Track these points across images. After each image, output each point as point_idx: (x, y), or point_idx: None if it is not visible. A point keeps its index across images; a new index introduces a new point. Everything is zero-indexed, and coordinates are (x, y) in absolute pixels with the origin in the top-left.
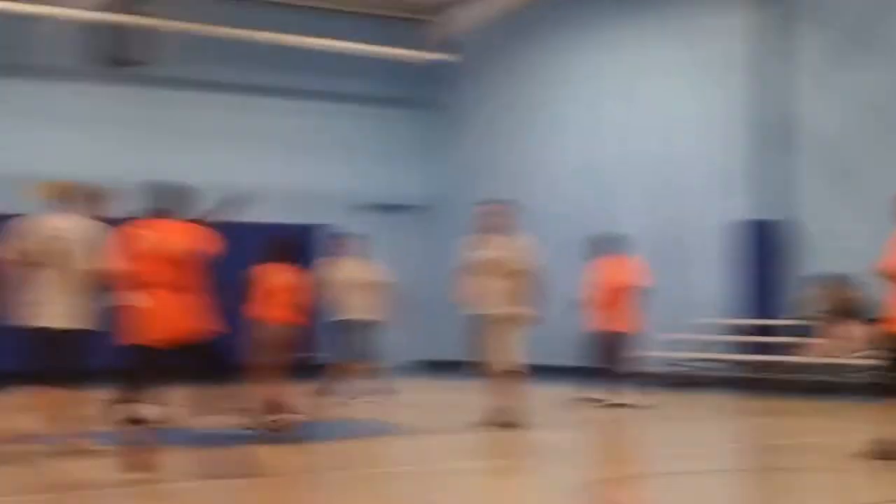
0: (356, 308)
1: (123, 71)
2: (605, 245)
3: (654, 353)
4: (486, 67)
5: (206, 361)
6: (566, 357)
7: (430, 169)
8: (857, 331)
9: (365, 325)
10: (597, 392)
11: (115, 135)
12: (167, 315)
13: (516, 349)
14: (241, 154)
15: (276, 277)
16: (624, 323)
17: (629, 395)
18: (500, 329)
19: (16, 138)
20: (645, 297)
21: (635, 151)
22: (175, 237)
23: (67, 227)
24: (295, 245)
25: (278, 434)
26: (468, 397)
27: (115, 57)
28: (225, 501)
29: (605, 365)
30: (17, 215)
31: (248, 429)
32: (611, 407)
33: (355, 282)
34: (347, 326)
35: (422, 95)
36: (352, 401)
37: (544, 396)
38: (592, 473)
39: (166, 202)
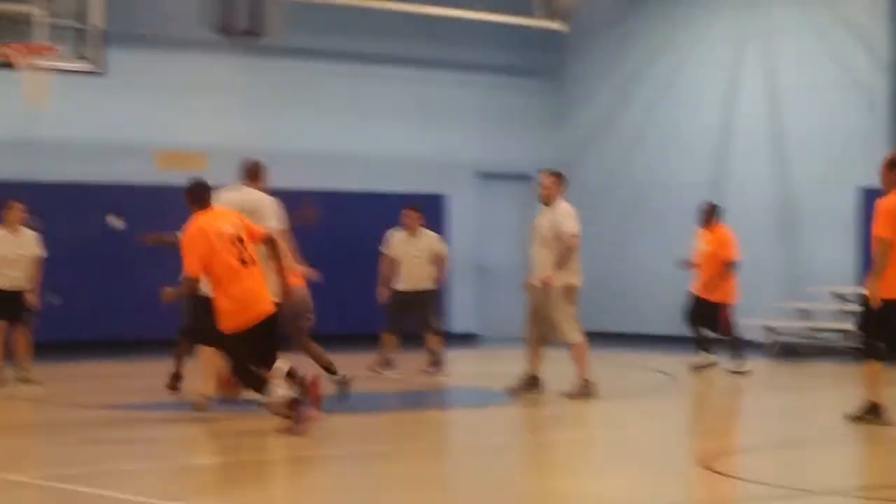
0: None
1: (247, 41)
2: (708, 215)
3: (769, 321)
4: (607, 34)
5: None
6: (664, 325)
7: (550, 138)
8: None
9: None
10: (696, 358)
11: (238, 105)
12: None
13: (562, 319)
14: (361, 123)
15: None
16: (716, 292)
17: (727, 362)
18: (544, 299)
19: (139, 109)
20: (735, 270)
21: (764, 116)
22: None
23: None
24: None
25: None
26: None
27: (239, 27)
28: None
29: (699, 331)
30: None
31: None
32: (701, 370)
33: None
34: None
35: (542, 64)
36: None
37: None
38: (711, 445)
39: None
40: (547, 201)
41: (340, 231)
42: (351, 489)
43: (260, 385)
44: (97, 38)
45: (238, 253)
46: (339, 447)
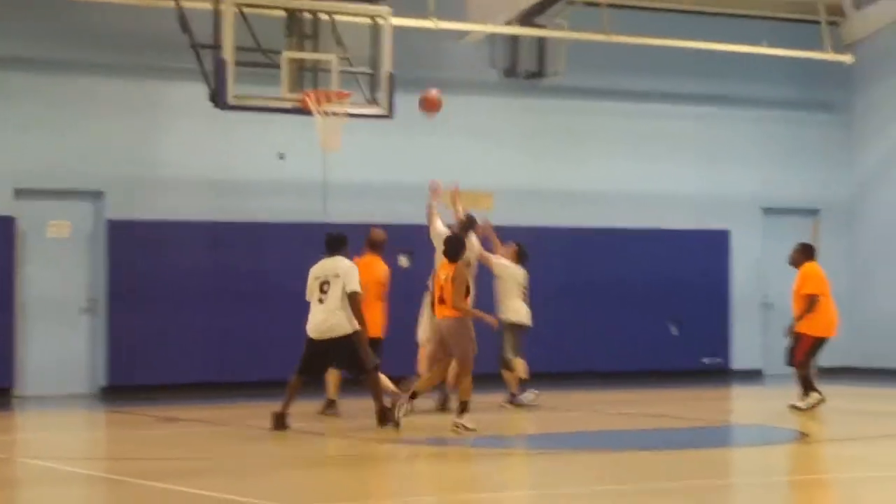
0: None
1: (525, 83)
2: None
3: None
4: (888, 68)
5: None
6: None
7: (836, 173)
8: None
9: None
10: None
11: (522, 146)
12: None
13: None
14: (644, 161)
15: None
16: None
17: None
18: None
19: (426, 150)
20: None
21: None
22: None
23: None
24: None
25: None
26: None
27: (517, 69)
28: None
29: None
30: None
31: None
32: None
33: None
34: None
35: (829, 97)
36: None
37: None
38: None
39: None
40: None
41: (625, 268)
42: None
43: None
44: (387, 84)
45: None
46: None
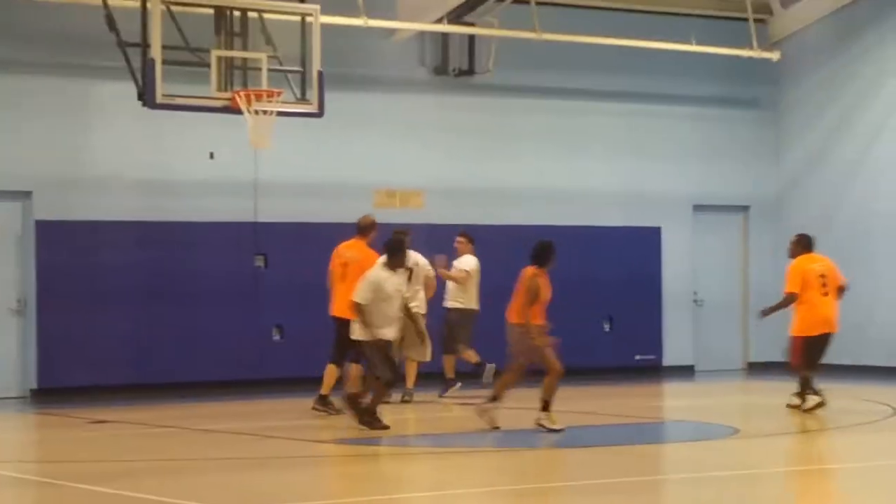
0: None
1: (455, 80)
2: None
3: None
4: (823, 64)
5: None
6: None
7: (766, 169)
8: None
9: None
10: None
11: (453, 144)
12: None
13: None
14: (574, 158)
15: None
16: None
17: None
18: None
19: (357, 149)
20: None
21: None
22: None
23: None
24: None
25: None
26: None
27: (447, 67)
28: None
29: None
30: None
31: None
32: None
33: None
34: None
35: (757, 95)
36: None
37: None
38: None
39: None
40: None
41: (557, 266)
42: None
43: None
44: (317, 82)
45: None
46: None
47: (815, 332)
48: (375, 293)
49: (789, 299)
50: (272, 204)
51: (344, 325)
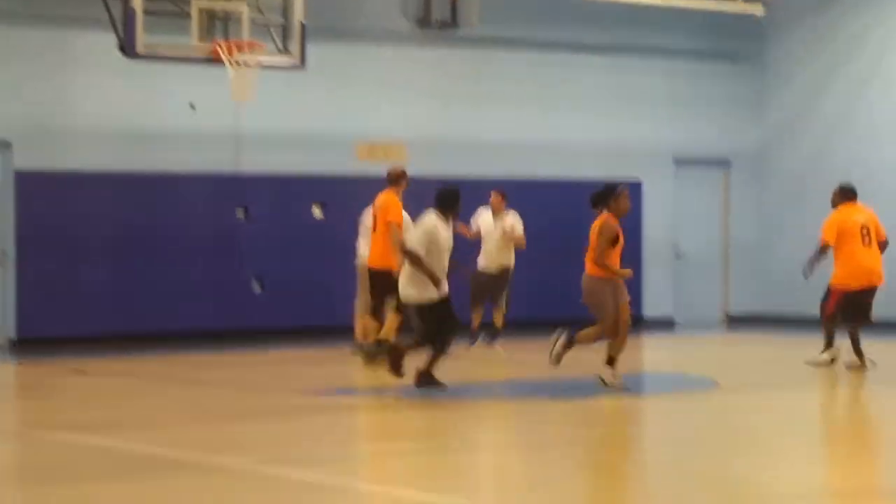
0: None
1: (444, 32)
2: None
3: None
4: (808, 19)
5: None
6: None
7: (748, 123)
8: None
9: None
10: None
11: (436, 96)
12: None
13: None
14: (557, 111)
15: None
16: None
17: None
18: None
19: (339, 101)
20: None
21: None
22: None
23: None
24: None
25: None
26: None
27: (436, 19)
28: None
29: None
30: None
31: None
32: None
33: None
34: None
35: (740, 49)
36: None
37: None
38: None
39: None
40: None
41: (534, 219)
42: (540, 476)
43: None
44: (298, 33)
45: None
46: (528, 434)
47: (856, 285)
48: (430, 243)
49: (822, 249)
50: (253, 156)
51: (377, 275)
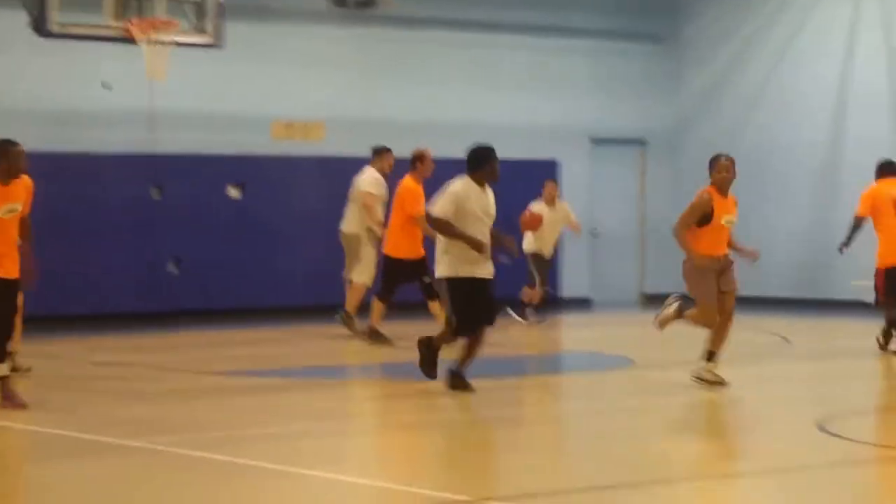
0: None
1: (362, 11)
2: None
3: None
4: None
5: None
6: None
7: (665, 102)
8: None
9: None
10: None
11: (354, 75)
12: None
13: None
14: (474, 91)
15: None
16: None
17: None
18: None
19: (256, 80)
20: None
21: (883, 74)
22: None
23: None
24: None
25: None
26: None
27: None
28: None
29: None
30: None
31: None
32: None
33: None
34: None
35: (656, 28)
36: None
37: (758, 327)
38: (823, 408)
39: None
40: None
41: None
42: (464, 454)
43: None
44: (214, 11)
45: None
46: (453, 412)
47: (885, 263)
48: (458, 208)
49: (855, 223)
50: (169, 135)
51: (390, 262)
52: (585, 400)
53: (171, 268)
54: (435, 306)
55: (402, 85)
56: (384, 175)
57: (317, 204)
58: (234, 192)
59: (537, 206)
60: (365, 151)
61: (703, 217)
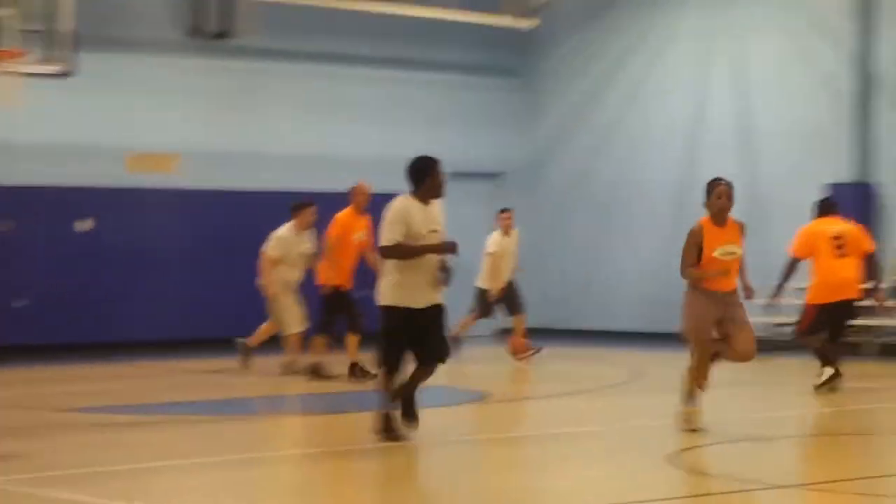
0: None
1: (217, 42)
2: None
3: None
4: (577, 34)
5: None
6: (633, 322)
7: (520, 137)
8: None
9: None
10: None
11: (209, 107)
12: None
13: None
14: (331, 124)
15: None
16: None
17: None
18: None
19: (110, 112)
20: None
21: (732, 113)
22: None
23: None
24: None
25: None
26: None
27: (209, 29)
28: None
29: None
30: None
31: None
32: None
33: None
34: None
35: (511, 63)
36: None
37: (608, 360)
38: (676, 440)
39: None
40: None
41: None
42: (301, 488)
43: None
44: (67, 41)
45: None
46: (292, 448)
47: (829, 300)
48: (406, 226)
49: (789, 263)
50: (22, 166)
51: (324, 294)
52: (435, 435)
53: (21, 301)
54: (353, 340)
55: (258, 117)
56: (307, 228)
57: (171, 236)
58: (83, 226)
59: (495, 237)
60: (221, 183)
61: (699, 250)
